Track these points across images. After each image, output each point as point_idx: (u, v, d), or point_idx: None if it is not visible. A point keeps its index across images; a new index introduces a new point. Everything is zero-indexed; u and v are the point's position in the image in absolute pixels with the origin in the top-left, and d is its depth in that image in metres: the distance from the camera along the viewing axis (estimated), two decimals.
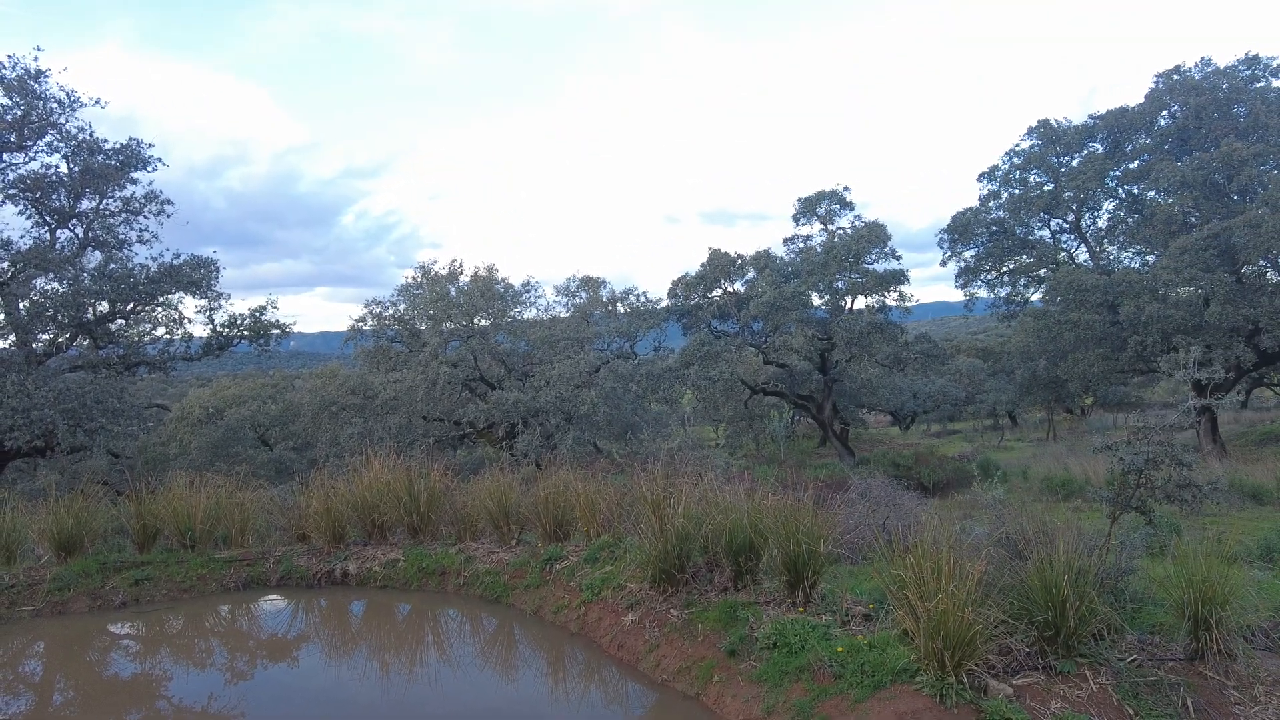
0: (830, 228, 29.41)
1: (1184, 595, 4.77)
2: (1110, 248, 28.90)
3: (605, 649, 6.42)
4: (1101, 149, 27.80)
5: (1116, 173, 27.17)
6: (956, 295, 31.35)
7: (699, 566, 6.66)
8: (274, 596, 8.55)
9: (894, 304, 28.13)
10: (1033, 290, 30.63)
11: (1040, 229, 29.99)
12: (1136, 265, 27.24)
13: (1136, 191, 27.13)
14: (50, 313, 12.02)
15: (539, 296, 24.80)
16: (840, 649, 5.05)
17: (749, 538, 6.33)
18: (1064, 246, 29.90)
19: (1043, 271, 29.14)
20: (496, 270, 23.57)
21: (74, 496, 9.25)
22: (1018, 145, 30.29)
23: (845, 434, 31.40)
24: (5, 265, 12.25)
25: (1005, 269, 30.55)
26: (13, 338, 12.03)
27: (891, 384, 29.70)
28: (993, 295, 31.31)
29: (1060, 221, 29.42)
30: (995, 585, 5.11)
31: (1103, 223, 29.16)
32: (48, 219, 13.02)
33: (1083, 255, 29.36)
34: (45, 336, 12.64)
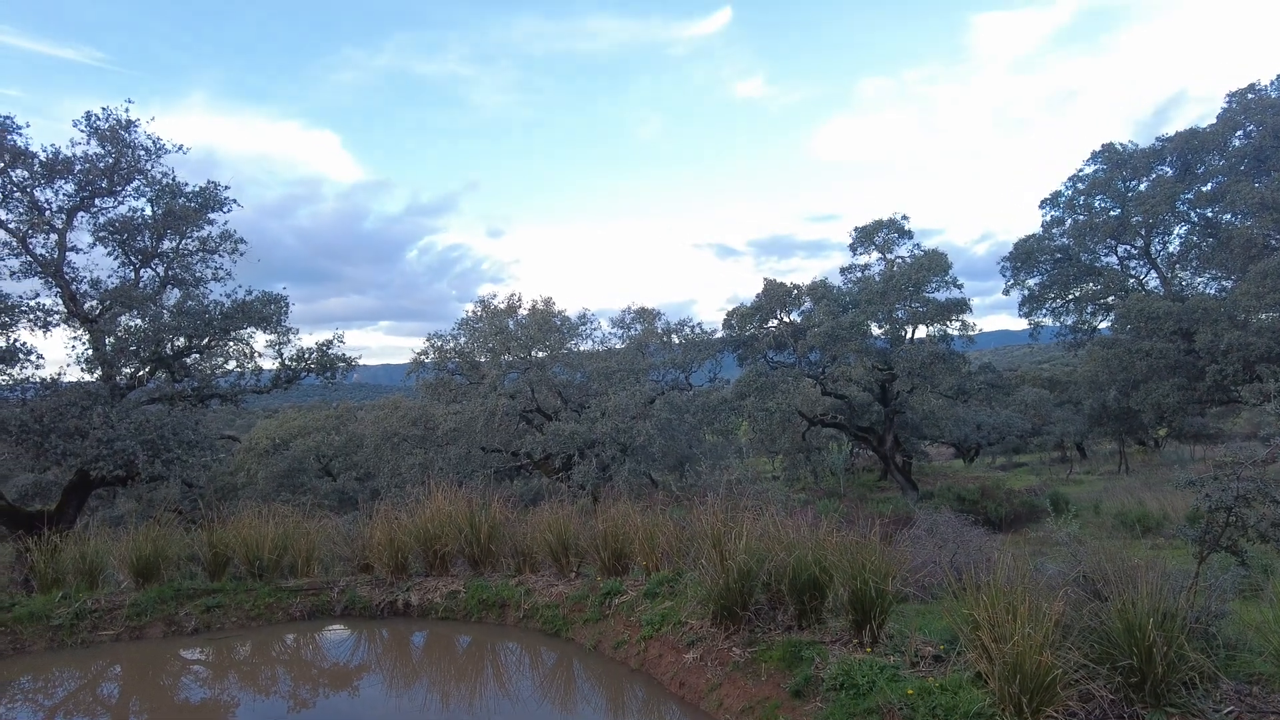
0: (889, 256, 29.08)
1: None
2: (1183, 273, 27.93)
3: (666, 686, 6.33)
4: (1171, 172, 26.98)
5: (1188, 195, 26.31)
6: (1020, 324, 30.61)
7: (761, 604, 6.53)
8: (338, 626, 8.68)
9: (956, 333, 27.53)
10: (1100, 318, 29.75)
11: (1107, 255, 29.19)
12: (1212, 291, 26.23)
13: (1210, 215, 26.18)
14: (133, 348, 12.60)
15: (595, 328, 24.96)
16: (910, 691, 4.88)
17: (813, 575, 6.19)
18: (1133, 273, 29.01)
19: (1110, 299, 28.28)
20: (554, 303, 23.85)
21: (152, 525, 9.59)
22: (1081, 170, 29.67)
23: (907, 467, 30.66)
24: (95, 303, 12.93)
25: (1071, 297, 29.77)
26: (99, 372, 12.60)
27: (955, 415, 28.93)
28: (1058, 324, 30.51)
29: (1128, 247, 28.58)
30: (1074, 627, 4.89)
31: (1174, 247, 28.26)
32: (133, 259, 13.71)
33: (1153, 281, 28.42)
34: (127, 370, 13.20)
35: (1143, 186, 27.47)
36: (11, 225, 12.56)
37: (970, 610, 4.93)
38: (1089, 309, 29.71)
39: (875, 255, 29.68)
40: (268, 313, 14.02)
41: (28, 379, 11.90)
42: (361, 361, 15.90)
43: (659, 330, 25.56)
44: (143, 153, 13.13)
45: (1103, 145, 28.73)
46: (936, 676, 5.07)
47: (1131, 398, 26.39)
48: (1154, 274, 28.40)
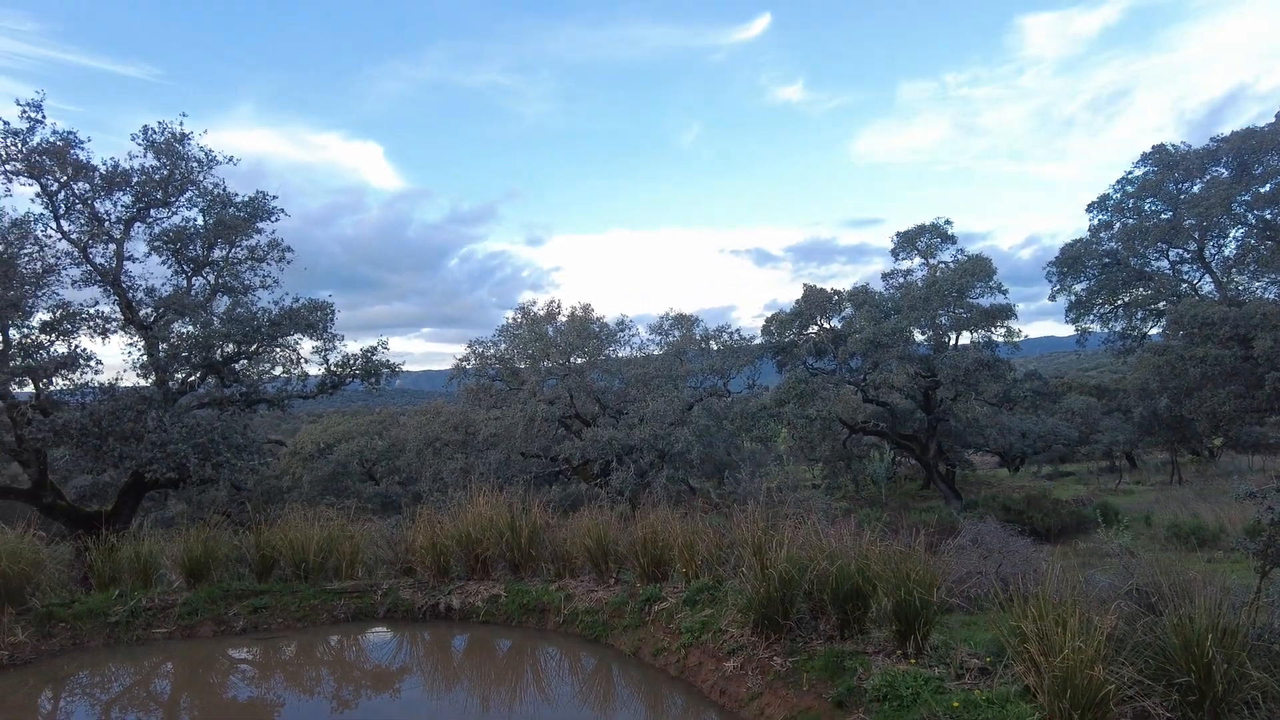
0: (931, 262, 28.63)
1: None
2: (1239, 277, 26.98)
3: (706, 694, 6.30)
4: (1226, 173, 26.15)
5: (1245, 197, 25.44)
6: (1066, 330, 29.91)
7: (803, 613, 6.47)
8: (381, 629, 8.80)
9: (1001, 340, 26.96)
10: (1151, 324, 28.92)
11: (1158, 259, 28.37)
12: (1271, 295, 25.31)
13: (1269, 217, 25.30)
14: (185, 354, 12.93)
15: (633, 335, 24.93)
16: (956, 704, 4.79)
17: (856, 584, 6.12)
18: (1185, 277, 28.15)
19: (1162, 304, 27.48)
20: (592, 310, 23.91)
21: (202, 527, 9.85)
22: (1130, 173, 28.90)
23: (951, 476, 30.10)
24: (149, 310, 13.33)
25: (1120, 302, 29.00)
26: (153, 377, 12.96)
27: (999, 423, 28.32)
28: (1106, 330, 29.74)
29: (1180, 251, 27.74)
30: (1127, 642, 4.76)
31: (1229, 251, 27.31)
32: (185, 268, 14.09)
33: (1207, 286, 27.53)
34: (179, 376, 13.54)
35: (1196, 188, 26.65)
36: (74, 236, 13.01)
37: (1018, 622, 4.84)
38: (1139, 314, 28.91)
39: (917, 260, 29.26)
40: (314, 319, 14.25)
41: (87, 384, 12.30)
42: (404, 368, 16.07)
43: (697, 336, 25.45)
44: (195, 165, 13.49)
45: (1153, 147, 27.98)
46: (982, 689, 4.98)
47: (1184, 406, 25.58)
48: (1208, 278, 27.50)
